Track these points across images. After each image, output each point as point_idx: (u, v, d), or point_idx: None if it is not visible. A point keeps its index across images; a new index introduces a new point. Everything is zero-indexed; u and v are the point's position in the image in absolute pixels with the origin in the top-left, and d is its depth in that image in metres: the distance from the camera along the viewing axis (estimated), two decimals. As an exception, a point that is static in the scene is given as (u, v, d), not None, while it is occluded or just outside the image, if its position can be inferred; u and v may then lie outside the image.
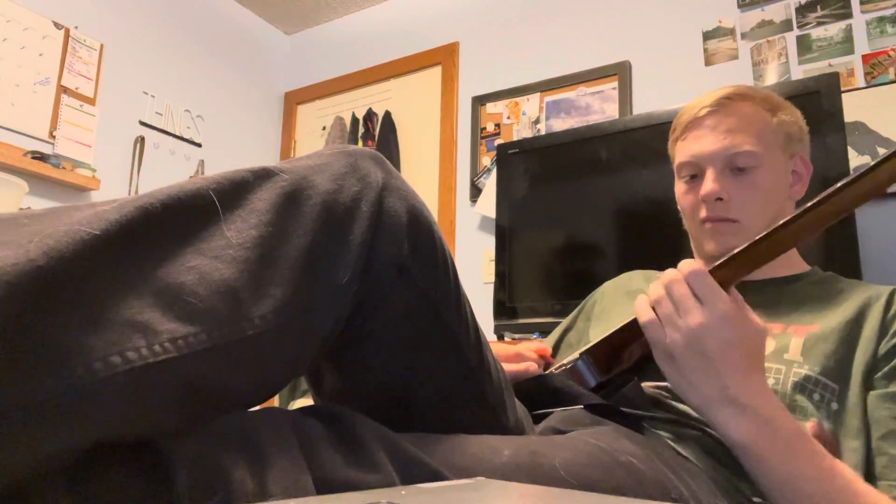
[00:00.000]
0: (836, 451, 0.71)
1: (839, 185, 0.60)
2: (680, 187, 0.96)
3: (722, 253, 0.87)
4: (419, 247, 0.50)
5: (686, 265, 0.63)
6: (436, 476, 0.44)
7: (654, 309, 0.65)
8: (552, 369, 0.84)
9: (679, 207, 0.98)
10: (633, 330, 0.71)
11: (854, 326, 0.77)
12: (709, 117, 0.90)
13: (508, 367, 0.82)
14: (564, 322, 1.11)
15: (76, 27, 2.50)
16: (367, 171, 0.49)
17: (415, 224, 0.50)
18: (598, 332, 0.95)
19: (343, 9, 3.20)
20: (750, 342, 0.60)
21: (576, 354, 0.79)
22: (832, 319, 0.78)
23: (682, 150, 0.93)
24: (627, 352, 0.74)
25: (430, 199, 2.75)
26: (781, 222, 0.63)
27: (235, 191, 0.43)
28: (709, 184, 0.88)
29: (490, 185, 2.45)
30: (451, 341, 0.53)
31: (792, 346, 0.77)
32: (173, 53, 2.87)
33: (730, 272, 0.66)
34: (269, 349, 0.40)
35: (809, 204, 0.61)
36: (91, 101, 2.52)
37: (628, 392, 0.74)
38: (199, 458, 0.36)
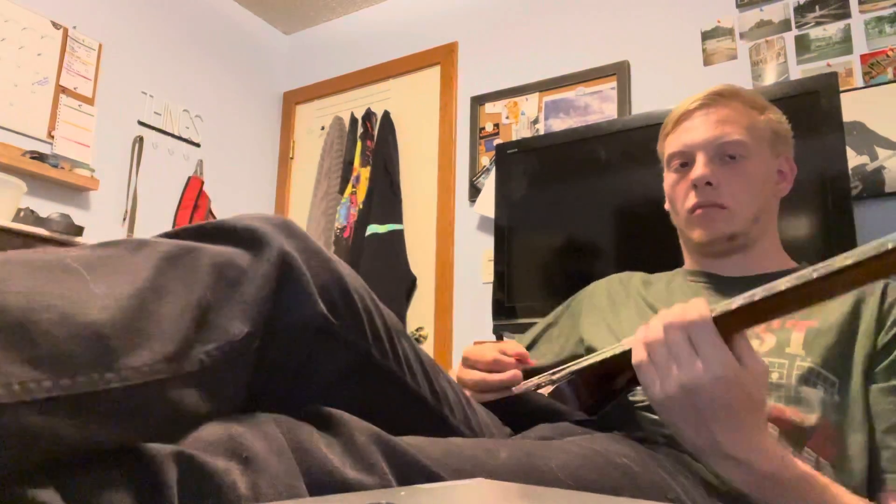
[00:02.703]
0: (839, 444, 0.71)
1: (885, 249, 0.52)
2: (669, 178, 0.96)
3: (711, 240, 0.89)
4: (337, 306, 0.48)
5: (693, 310, 0.58)
6: (432, 478, 0.44)
7: (649, 350, 0.60)
8: (539, 381, 0.82)
9: (667, 200, 0.99)
10: (625, 360, 0.66)
11: (851, 321, 0.77)
12: (699, 110, 0.92)
13: (493, 377, 0.81)
14: (547, 318, 1.10)
15: (75, 27, 2.50)
16: (268, 235, 0.46)
17: (328, 285, 0.48)
18: (590, 335, 0.95)
19: (342, 9, 3.20)
20: (747, 401, 0.56)
21: (563, 372, 0.77)
22: (829, 314, 0.78)
23: (673, 141, 0.95)
24: (616, 379, 0.71)
25: (428, 200, 2.75)
26: (806, 280, 0.55)
27: (103, 259, 0.40)
28: (699, 168, 0.89)
29: (489, 185, 2.45)
30: (400, 387, 0.54)
31: (793, 340, 0.77)
32: (172, 53, 2.87)
33: (738, 321, 0.59)
34: (143, 402, 0.36)
35: (843, 265, 0.53)
36: (90, 101, 2.52)
37: (614, 415, 0.73)
38: (188, 464, 0.35)
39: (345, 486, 0.40)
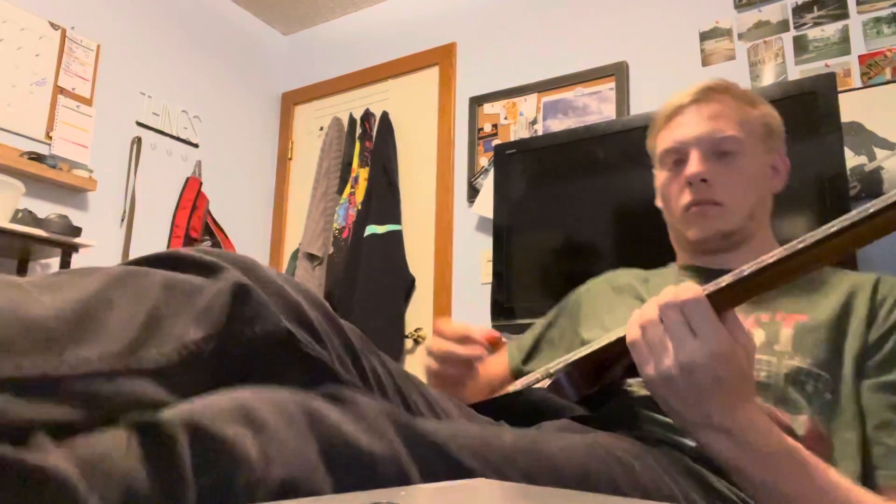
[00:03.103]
0: (830, 444, 0.70)
1: (866, 213, 0.55)
2: (662, 176, 0.95)
3: (706, 238, 0.88)
4: (301, 322, 0.48)
5: (686, 290, 0.59)
6: (442, 451, 0.44)
7: (643, 329, 0.61)
8: (533, 378, 0.81)
9: (659, 198, 0.97)
10: (620, 346, 0.67)
11: (843, 316, 0.76)
12: (691, 105, 0.91)
13: (459, 348, 0.82)
14: (544, 319, 1.09)
15: (73, 28, 2.49)
16: (223, 266, 0.47)
17: (283, 311, 0.47)
18: (589, 333, 0.94)
19: (340, 9, 3.20)
20: (740, 374, 0.58)
21: (559, 364, 0.78)
22: (821, 309, 0.77)
23: (665, 138, 0.93)
24: (614, 367, 0.72)
25: (427, 200, 2.75)
26: (793, 251, 0.58)
27: (50, 279, 0.41)
28: (694, 165, 0.87)
29: (487, 185, 2.45)
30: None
31: (782, 336, 0.76)
32: (170, 54, 2.87)
33: (730, 297, 0.61)
34: (99, 391, 0.37)
35: (826, 234, 0.56)
36: (88, 102, 2.52)
37: (613, 414, 0.72)
38: (199, 429, 0.36)
39: (358, 455, 0.40)
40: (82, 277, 0.43)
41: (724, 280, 0.61)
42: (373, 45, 3.08)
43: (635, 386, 0.79)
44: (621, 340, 0.66)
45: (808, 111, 1.61)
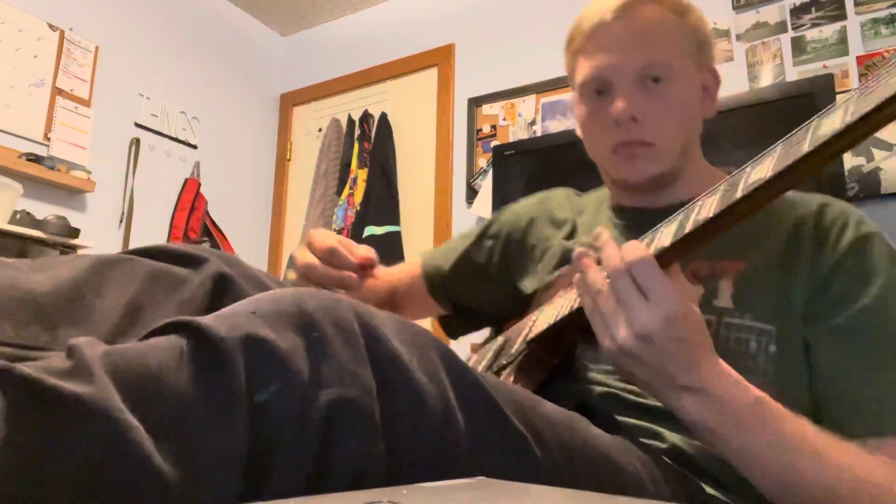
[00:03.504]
0: (780, 401, 0.63)
1: (802, 154, 0.52)
2: (582, 109, 0.82)
3: (638, 182, 0.79)
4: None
5: (631, 251, 0.56)
6: (488, 401, 0.44)
7: (595, 299, 0.58)
8: (498, 367, 0.77)
9: (581, 134, 0.85)
10: (578, 314, 0.64)
11: (786, 257, 0.69)
12: (614, 24, 0.77)
13: (323, 268, 0.75)
14: (463, 239, 0.98)
15: (71, 29, 2.49)
16: (205, 258, 0.49)
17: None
18: (529, 283, 0.88)
19: (339, 10, 3.20)
20: (698, 330, 0.56)
21: (517, 348, 0.75)
22: (761, 252, 0.70)
23: (585, 66, 0.80)
24: (575, 331, 0.69)
25: (426, 201, 2.75)
26: (737, 198, 0.55)
27: (41, 261, 0.44)
28: (621, 102, 0.75)
29: (486, 186, 2.45)
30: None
31: (721, 290, 0.69)
32: (169, 55, 2.87)
33: (676, 253, 0.58)
34: None
35: (769, 176, 0.53)
36: (86, 103, 2.52)
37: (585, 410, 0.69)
38: (254, 342, 0.34)
39: (409, 387, 0.39)
40: (71, 260, 0.44)
41: (667, 235, 0.58)
42: (371, 46, 3.08)
43: (597, 371, 0.74)
44: (581, 311, 0.62)
45: (807, 112, 1.60)
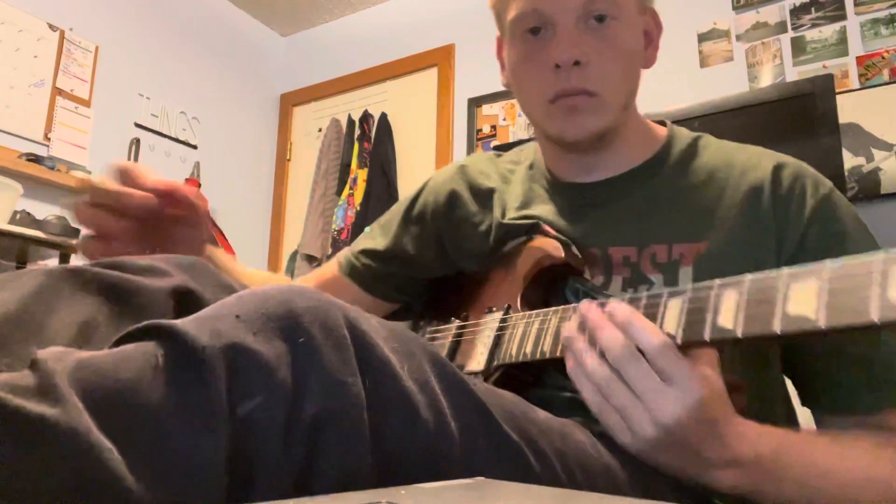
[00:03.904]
0: (743, 388, 0.60)
1: (865, 322, 0.39)
2: (515, 52, 0.71)
3: (578, 139, 0.69)
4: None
5: (644, 333, 0.49)
6: (479, 407, 0.43)
7: (604, 392, 0.51)
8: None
9: (513, 82, 0.74)
10: (558, 361, 0.57)
11: (747, 233, 0.64)
12: None
13: (123, 189, 0.63)
14: (381, 241, 0.88)
15: (71, 29, 2.49)
16: (166, 269, 0.48)
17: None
18: (467, 261, 0.82)
19: (339, 10, 3.20)
20: (723, 403, 0.50)
21: (488, 364, 0.68)
22: (719, 230, 0.64)
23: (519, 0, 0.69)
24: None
25: (426, 201, 2.75)
26: (775, 333, 0.44)
27: None
28: (563, 43, 0.66)
29: (486, 186, 2.45)
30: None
31: (681, 278, 0.63)
32: (169, 55, 2.87)
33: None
34: None
35: (822, 328, 0.41)
36: (86, 103, 2.52)
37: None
38: (238, 351, 0.32)
39: (401, 397, 0.37)
40: (20, 277, 0.42)
41: (672, 319, 0.50)
42: (371, 46, 3.08)
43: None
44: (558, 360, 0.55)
45: (806, 112, 1.61)
